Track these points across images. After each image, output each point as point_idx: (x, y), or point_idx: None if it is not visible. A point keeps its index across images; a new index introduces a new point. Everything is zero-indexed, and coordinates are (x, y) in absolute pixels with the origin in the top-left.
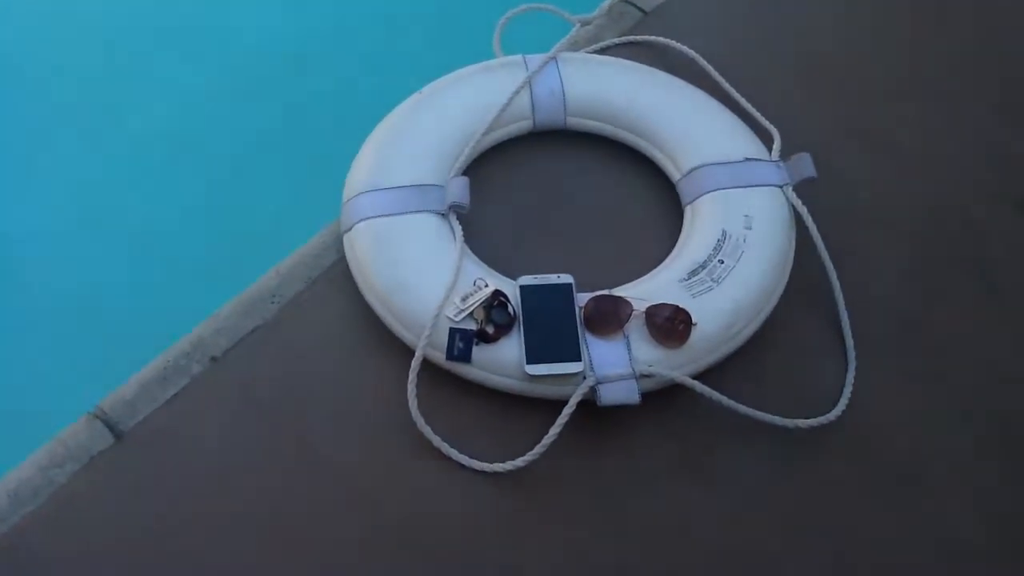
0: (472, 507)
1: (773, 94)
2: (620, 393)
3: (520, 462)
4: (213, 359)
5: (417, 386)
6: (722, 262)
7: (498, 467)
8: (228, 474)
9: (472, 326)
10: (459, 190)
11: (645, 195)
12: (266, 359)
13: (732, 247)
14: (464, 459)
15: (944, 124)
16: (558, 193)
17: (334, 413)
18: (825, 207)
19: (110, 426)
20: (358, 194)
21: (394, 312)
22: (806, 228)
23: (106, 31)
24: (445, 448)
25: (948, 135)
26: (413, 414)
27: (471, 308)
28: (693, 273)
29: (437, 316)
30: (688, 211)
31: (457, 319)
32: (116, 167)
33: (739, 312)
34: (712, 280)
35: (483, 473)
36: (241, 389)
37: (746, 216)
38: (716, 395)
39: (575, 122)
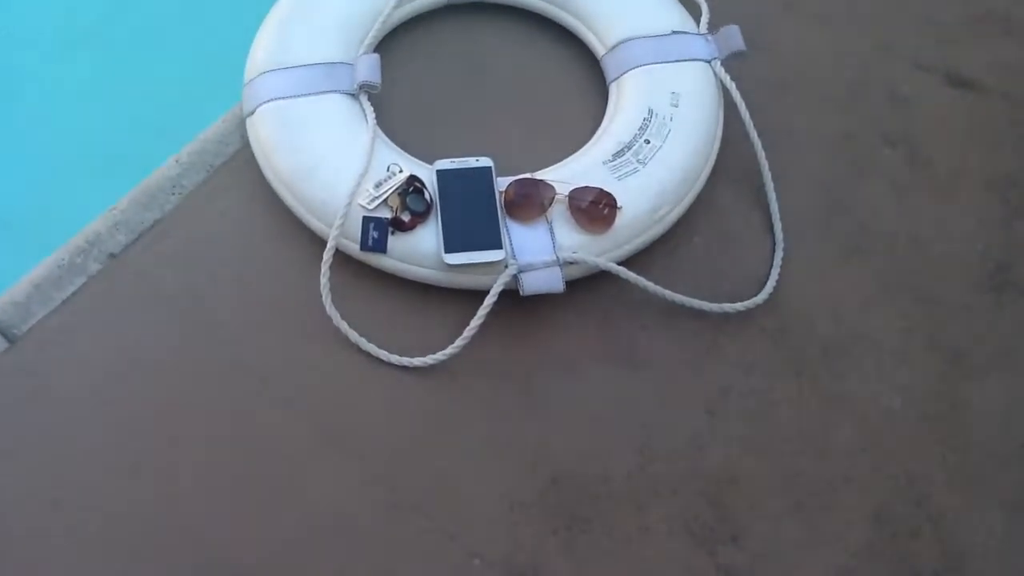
0: (394, 403)
1: None
2: (544, 281)
3: (442, 356)
4: (111, 256)
5: (330, 279)
6: (648, 142)
7: (419, 361)
8: (131, 375)
9: (387, 214)
10: (369, 68)
11: (568, 72)
12: (168, 254)
13: (658, 126)
14: (383, 354)
15: None
16: (476, 71)
17: (243, 309)
18: (754, 82)
19: (2, 331)
20: (260, 74)
21: (303, 200)
22: (735, 105)
23: None
24: (363, 343)
25: (879, 4)
26: (327, 308)
27: (385, 195)
28: (618, 155)
29: (349, 204)
30: (613, 89)
31: (370, 207)
32: (5, 52)
33: (665, 195)
34: (638, 161)
35: (404, 368)
36: (143, 286)
37: (673, 93)
38: (642, 281)
39: None
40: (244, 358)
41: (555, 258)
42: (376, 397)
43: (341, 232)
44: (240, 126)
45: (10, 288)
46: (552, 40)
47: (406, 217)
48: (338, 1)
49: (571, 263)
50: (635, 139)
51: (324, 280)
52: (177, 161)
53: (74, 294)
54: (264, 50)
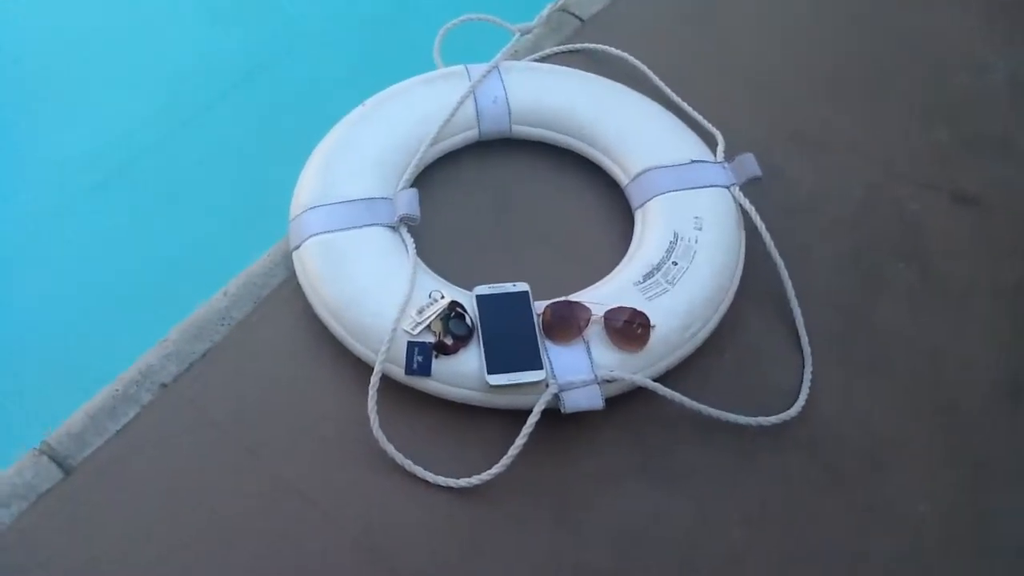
0: (437, 522)
1: (711, 98)
2: (584, 399)
3: (487, 476)
4: (163, 386)
5: (377, 402)
6: (675, 263)
7: (464, 482)
8: (183, 502)
9: (430, 339)
10: (408, 202)
11: (595, 200)
12: (218, 383)
13: (684, 248)
14: (429, 475)
15: (875, 121)
16: (508, 202)
17: (291, 434)
18: (770, 205)
19: (58, 461)
20: (306, 210)
21: (349, 328)
22: (754, 227)
23: (32, 55)
24: (408, 465)
25: (880, 130)
26: (375, 431)
27: (428, 320)
28: (648, 276)
29: (395, 330)
30: (639, 215)
31: (414, 332)
32: (51, 195)
33: (694, 312)
34: (667, 282)
35: (447, 488)
36: (194, 415)
37: (696, 217)
38: (678, 397)
39: (521, 130)
40: (292, 482)
41: (593, 376)
42: (420, 517)
43: (387, 357)
44: (285, 259)
45: (66, 419)
46: (577, 171)
47: (449, 341)
48: (377, 140)
49: (609, 381)
50: (663, 261)
51: (372, 404)
52: (225, 294)
53: (127, 424)
54: (308, 188)
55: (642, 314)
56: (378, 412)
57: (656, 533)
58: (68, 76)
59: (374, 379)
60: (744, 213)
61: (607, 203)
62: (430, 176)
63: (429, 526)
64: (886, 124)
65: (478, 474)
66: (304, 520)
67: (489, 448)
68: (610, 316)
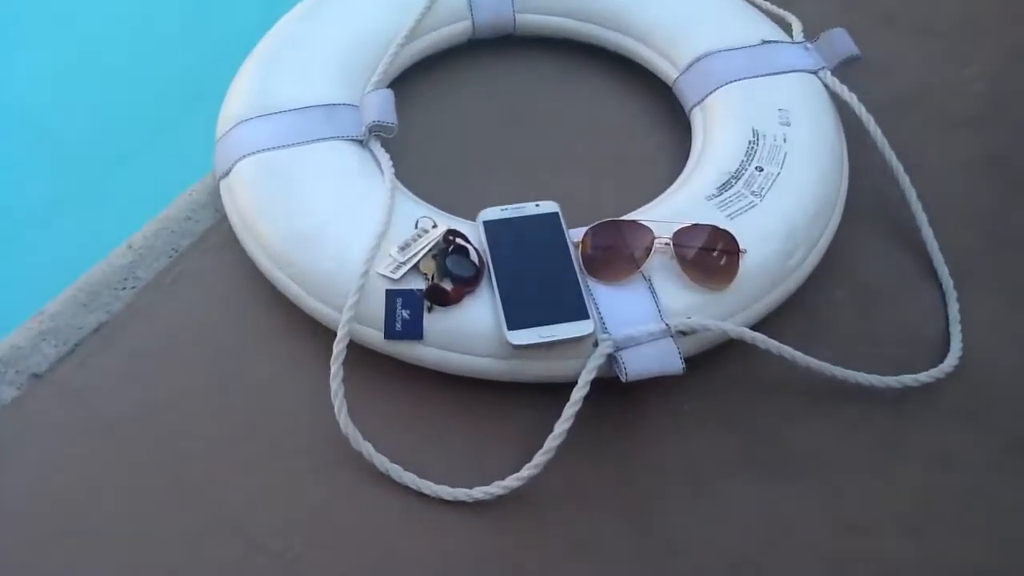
0: (447, 554)
1: None
2: (653, 360)
3: (514, 482)
4: (35, 376)
5: (344, 382)
6: (760, 169)
7: (480, 493)
8: (61, 555)
9: (419, 285)
10: (380, 105)
11: (632, 105)
12: (116, 371)
13: (769, 150)
14: (427, 486)
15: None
16: (517, 115)
17: (221, 439)
18: (868, 101)
19: None
20: (237, 123)
21: (301, 278)
22: (853, 122)
23: None
24: (396, 472)
25: (998, 14)
26: (343, 426)
27: (416, 258)
28: (724, 187)
29: (366, 274)
30: (697, 115)
31: (396, 277)
32: None
33: (796, 233)
34: (752, 193)
35: (459, 504)
36: (81, 417)
37: (780, 110)
38: (790, 351)
39: (528, 21)
40: (229, 516)
41: (664, 326)
42: (421, 547)
43: (356, 316)
44: (214, 197)
45: None
46: (605, 69)
47: (448, 286)
48: (336, 35)
49: (685, 332)
50: (743, 167)
51: (336, 386)
52: (130, 247)
53: None
54: (241, 96)
55: (727, 234)
56: (347, 397)
57: (773, 552)
58: None
59: (338, 348)
60: (840, 105)
61: (649, 106)
62: (409, 85)
63: (437, 558)
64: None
65: (501, 480)
66: (246, 565)
67: (512, 443)
68: (681, 239)
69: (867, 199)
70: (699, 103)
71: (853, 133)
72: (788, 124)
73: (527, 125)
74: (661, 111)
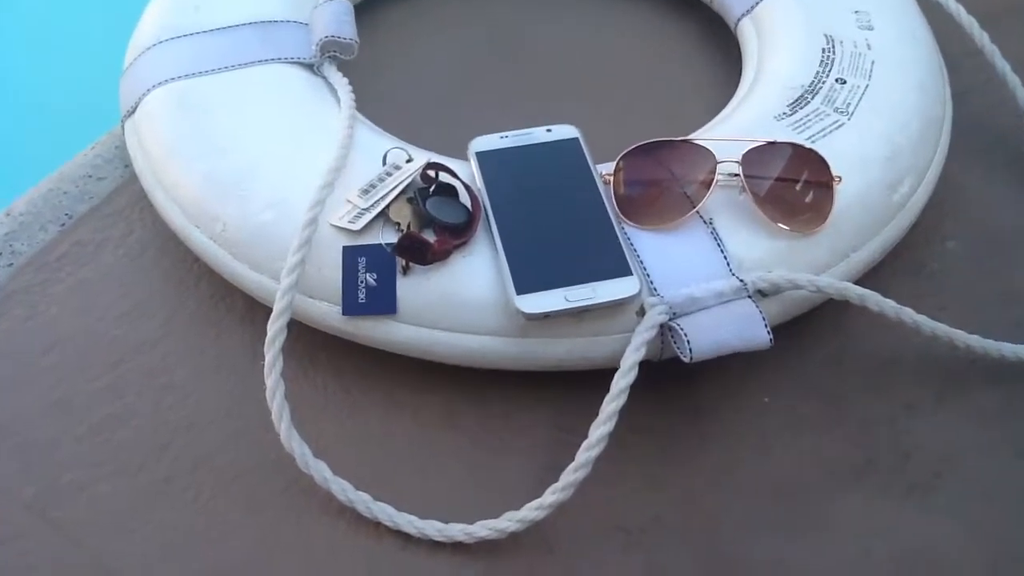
0: None
1: None
2: (728, 329)
3: (531, 512)
4: None
5: (286, 379)
6: (841, 81)
7: (484, 530)
8: None
9: (390, 238)
10: (334, 18)
11: (653, 20)
12: None
13: (851, 58)
14: (408, 522)
15: None
16: (512, 32)
17: (122, 470)
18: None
19: None
20: (147, 48)
21: (223, 236)
22: (946, 31)
23: None
24: (363, 503)
25: None
26: (284, 440)
27: (385, 201)
28: (798, 103)
29: (312, 224)
30: (746, 27)
31: (356, 227)
32: None
33: (900, 158)
34: (837, 111)
35: (455, 545)
36: None
37: (856, 12)
38: (917, 318)
39: None
40: (116, 564)
41: (739, 283)
42: None
43: (300, 284)
44: (122, 152)
45: None
46: None
47: (430, 237)
48: None
49: (765, 293)
50: (819, 80)
51: (273, 383)
52: (9, 215)
53: None
54: (154, 16)
55: (816, 156)
56: (290, 399)
57: None
58: None
59: (273, 328)
60: (928, 9)
61: (681, 22)
62: (376, 12)
63: None
64: None
65: (514, 510)
66: None
67: (529, 455)
68: (753, 165)
69: (972, 125)
70: (748, 12)
71: (946, 44)
72: (870, 28)
73: (527, 48)
74: (695, 28)
